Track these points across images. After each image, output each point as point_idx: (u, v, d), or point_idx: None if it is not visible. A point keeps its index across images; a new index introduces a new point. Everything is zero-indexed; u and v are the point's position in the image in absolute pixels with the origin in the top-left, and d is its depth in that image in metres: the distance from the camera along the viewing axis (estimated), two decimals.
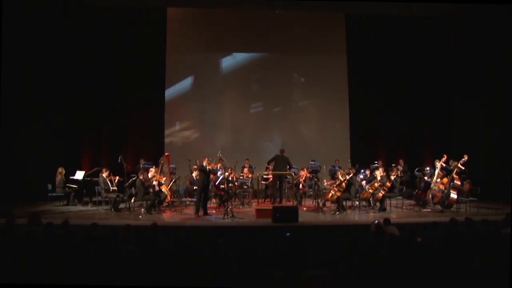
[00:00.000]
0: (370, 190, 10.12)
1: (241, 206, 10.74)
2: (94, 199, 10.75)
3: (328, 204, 10.53)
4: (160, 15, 13.25)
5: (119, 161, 10.74)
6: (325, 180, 11.19)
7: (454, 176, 9.81)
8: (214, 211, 10.05)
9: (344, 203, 9.98)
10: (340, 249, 5.28)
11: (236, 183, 10.70)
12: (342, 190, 9.91)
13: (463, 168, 9.85)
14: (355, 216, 9.80)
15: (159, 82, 13.25)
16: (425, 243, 5.33)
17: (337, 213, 9.76)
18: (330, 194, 10.02)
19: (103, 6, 12.28)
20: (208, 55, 13.63)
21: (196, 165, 10.68)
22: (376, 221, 6.79)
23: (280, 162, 10.80)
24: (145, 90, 12.87)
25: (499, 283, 4.49)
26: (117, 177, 10.57)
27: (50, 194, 10.63)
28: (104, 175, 10.25)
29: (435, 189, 10.13)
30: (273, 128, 13.86)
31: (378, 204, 10.21)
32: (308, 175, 11.18)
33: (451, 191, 9.76)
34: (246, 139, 13.57)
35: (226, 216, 9.10)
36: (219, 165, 10.91)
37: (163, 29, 13.28)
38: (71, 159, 11.85)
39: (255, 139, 13.61)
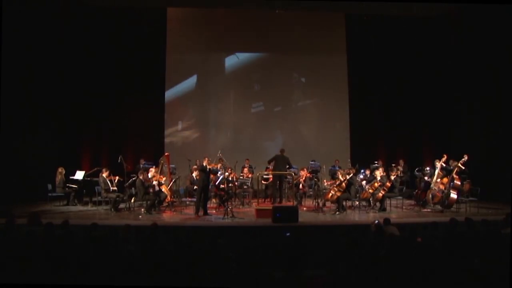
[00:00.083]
0: (370, 190, 10.12)
1: (241, 206, 10.74)
2: (94, 199, 10.75)
3: (328, 204, 10.53)
4: (160, 15, 13.25)
5: (119, 161, 10.73)
6: (325, 180, 11.19)
7: (454, 176, 9.81)
8: (214, 211, 10.05)
9: (344, 203, 9.98)
10: (340, 249, 5.28)
11: (236, 183, 10.69)
12: (342, 190, 9.91)
13: (463, 168, 9.85)
14: (355, 216, 9.80)
15: (159, 82, 13.24)
16: (425, 243, 5.33)
17: (337, 213, 9.76)
18: (330, 194, 10.02)
19: (103, 6, 12.28)
20: (208, 55, 13.64)
21: (196, 165, 10.68)
22: (376, 221, 6.79)
23: (280, 162, 10.80)
24: (145, 90, 12.87)
25: (499, 283, 4.49)
26: (117, 177, 10.57)
27: (50, 194, 10.63)
28: (104, 175, 10.25)
29: (435, 189, 10.13)
30: (274, 128, 13.86)
31: (378, 204, 10.21)
32: (308, 175, 11.18)
33: (451, 191, 9.76)
34: (246, 139, 13.57)
35: (226, 216, 9.10)
36: (219, 165, 10.91)
37: (163, 29, 13.28)
38: (71, 159, 11.85)
39: (255, 139, 13.61)
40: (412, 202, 11.01)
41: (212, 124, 13.67)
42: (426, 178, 10.78)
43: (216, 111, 13.67)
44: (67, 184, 10.81)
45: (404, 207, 10.46)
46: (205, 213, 9.56)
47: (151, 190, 9.91)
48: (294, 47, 13.48)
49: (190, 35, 13.42)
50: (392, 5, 11.94)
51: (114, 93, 12.67)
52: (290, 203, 10.29)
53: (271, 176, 11.29)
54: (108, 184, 10.21)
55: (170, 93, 13.43)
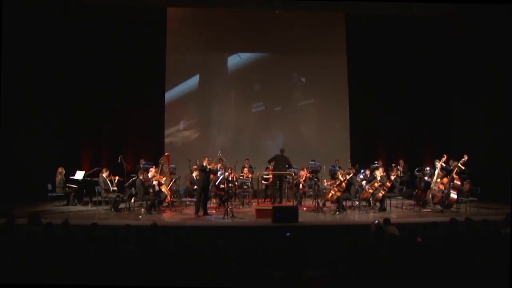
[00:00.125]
0: (370, 190, 10.12)
1: (241, 206, 10.74)
2: (94, 199, 10.75)
3: (328, 204, 10.53)
4: (160, 15, 13.25)
5: (119, 161, 10.73)
6: (325, 180, 11.19)
7: (454, 176, 9.81)
8: (214, 211, 10.05)
9: (344, 203, 9.98)
10: (340, 249, 5.28)
11: (236, 183, 10.69)
12: (342, 190, 9.91)
13: (463, 168, 9.85)
14: (355, 216, 9.80)
15: (159, 82, 13.24)
16: (425, 243, 5.33)
17: (337, 213, 9.76)
18: (330, 194, 10.01)
19: (103, 6, 12.28)
20: (208, 56, 13.63)
21: (196, 165, 10.68)
22: (376, 221, 6.79)
23: (280, 162, 10.80)
24: (145, 90, 12.87)
25: (499, 283, 4.49)
26: (117, 177, 10.57)
27: (50, 194, 10.63)
28: (104, 175, 10.25)
29: (435, 189, 10.13)
30: (274, 128, 13.86)
31: (378, 204, 10.20)
32: (308, 175, 11.17)
33: (451, 191, 9.76)
34: (246, 139, 13.58)
35: (226, 216, 9.10)
36: (219, 165, 10.91)
37: (163, 29, 13.28)
38: (71, 159, 11.85)
39: (255, 139, 13.61)
40: (412, 202, 11.01)
41: (212, 124, 13.67)
42: (426, 178, 10.78)
43: (216, 111, 13.67)
44: (67, 184, 10.80)
45: (404, 207, 10.46)
46: (205, 213, 9.56)
47: (151, 190, 9.91)
48: (294, 47, 13.48)
49: (190, 35, 13.42)
50: (392, 5, 11.94)
51: (114, 93, 12.67)
52: (290, 203, 10.29)
53: (271, 176, 11.29)
54: (108, 184, 10.21)
55: (170, 94, 13.42)
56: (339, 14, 13.64)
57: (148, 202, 9.81)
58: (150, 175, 10.05)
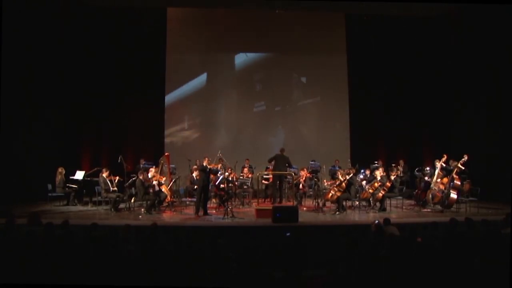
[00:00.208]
0: (370, 190, 10.12)
1: (241, 206, 10.74)
2: (94, 199, 10.75)
3: (328, 204, 10.53)
4: (160, 15, 13.25)
5: (119, 161, 10.73)
6: (325, 180, 11.18)
7: (454, 176, 9.81)
8: (214, 211, 10.05)
9: (344, 203, 9.98)
10: (340, 249, 5.28)
11: (236, 183, 10.69)
12: (342, 190, 9.91)
13: (463, 168, 9.85)
14: (355, 216, 9.80)
15: (159, 82, 13.23)
16: (425, 243, 5.33)
17: (337, 213, 9.76)
18: (330, 194, 10.01)
19: (103, 6, 12.27)
20: (209, 56, 13.61)
21: (196, 165, 10.68)
22: (376, 221, 6.78)
23: (280, 161, 10.79)
24: (145, 90, 12.87)
25: (499, 283, 4.49)
26: (117, 177, 10.57)
27: (50, 194, 10.63)
28: (104, 175, 10.25)
29: (435, 189, 10.13)
30: (274, 127, 13.86)
31: (378, 204, 10.20)
32: (308, 175, 11.17)
33: (451, 191, 9.76)
34: (246, 139, 13.58)
35: (226, 216, 9.09)
36: (219, 165, 10.91)
37: (163, 29, 13.28)
38: (71, 159, 11.85)
39: (255, 139, 13.60)
40: (412, 202, 11.01)
41: (212, 124, 13.66)
42: (426, 178, 10.78)
43: (216, 111, 13.67)
44: (67, 184, 10.80)
45: (404, 207, 10.46)
46: (205, 213, 9.56)
47: (151, 190, 9.91)
48: (294, 47, 13.48)
49: (190, 35, 13.42)
50: (392, 5, 11.94)
51: (114, 93, 12.67)
52: (290, 203, 10.29)
53: (271, 176, 11.29)
54: (108, 184, 10.21)
55: (171, 94, 13.42)
56: (339, 14, 13.64)
57: (148, 202, 9.81)
58: (150, 175, 10.05)
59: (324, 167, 11.78)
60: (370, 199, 10.39)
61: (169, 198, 10.44)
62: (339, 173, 10.28)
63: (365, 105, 13.57)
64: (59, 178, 10.78)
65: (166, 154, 11.53)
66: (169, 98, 13.41)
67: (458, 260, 4.78)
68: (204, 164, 10.07)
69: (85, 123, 12.75)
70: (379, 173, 10.13)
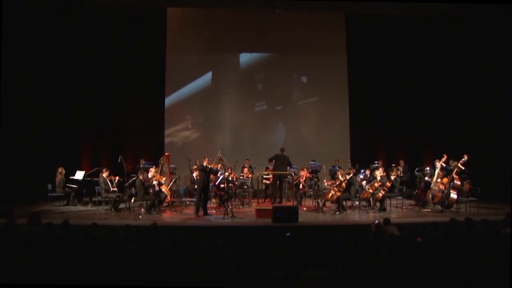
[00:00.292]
0: (370, 190, 10.12)
1: (241, 206, 10.74)
2: (94, 199, 10.74)
3: (328, 204, 10.52)
4: (160, 15, 13.25)
5: (119, 161, 10.73)
6: (325, 180, 11.18)
7: (454, 176, 9.81)
8: (214, 211, 10.05)
9: (344, 203, 9.98)
10: (340, 249, 5.28)
11: (236, 183, 10.69)
12: (342, 190, 9.91)
13: (463, 168, 9.85)
14: (355, 216, 9.79)
15: (159, 82, 13.23)
16: (425, 243, 5.33)
17: (337, 213, 9.76)
18: (330, 194, 10.01)
19: (103, 6, 12.27)
20: (208, 56, 13.61)
21: (196, 165, 10.67)
22: (376, 221, 6.78)
23: (280, 161, 10.79)
24: (145, 90, 12.87)
25: (499, 283, 4.49)
26: (117, 177, 10.57)
27: (50, 194, 10.63)
28: (104, 175, 10.24)
29: (435, 189, 10.13)
30: (274, 127, 13.87)
31: (378, 204, 10.20)
32: (308, 175, 11.17)
33: (451, 191, 9.76)
34: (246, 139, 13.58)
35: (226, 216, 9.09)
36: (219, 165, 10.91)
37: (163, 29, 13.28)
38: (71, 159, 11.84)
39: (255, 139, 13.60)
40: (412, 202, 11.01)
41: (212, 124, 13.67)
42: (426, 178, 10.77)
43: (217, 111, 13.67)
44: (67, 184, 10.80)
45: (404, 207, 10.46)
46: (205, 213, 9.56)
47: (151, 190, 9.91)
48: (294, 47, 13.48)
49: (190, 35, 13.42)
50: (392, 5, 11.94)
51: (114, 93, 12.67)
52: (290, 203, 10.29)
53: (271, 176, 11.29)
54: (108, 184, 10.20)
55: (171, 95, 13.43)
56: (339, 14, 13.64)
57: (148, 202, 9.80)
58: (150, 175, 10.05)
59: (324, 167, 11.77)
60: (370, 199, 10.39)
61: (169, 198, 10.44)
62: (339, 173, 10.28)
63: (365, 105, 13.57)
64: (59, 178, 10.78)
65: (166, 154, 11.53)
66: (170, 98, 13.41)
67: (458, 260, 4.78)
68: (204, 164, 10.07)
69: (85, 123, 12.74)
70: (379, 173, 10.13)
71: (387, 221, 6.74)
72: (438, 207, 10.11)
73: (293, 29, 13.38)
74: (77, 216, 9.51)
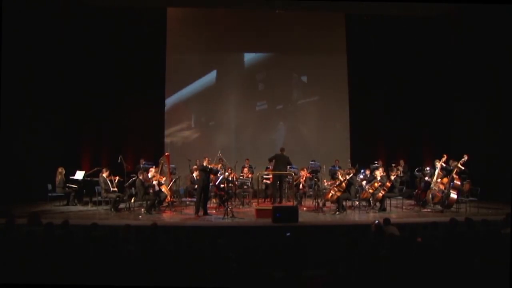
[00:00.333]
0: (370, 190, 10.12)
1: (241, 206, 10.74)
2: (94, 199, 10.74)
3: (328, 204, 10.52)
4: (160, 15, 13.25)
5: (119, 161, 10.73)
6: (325, 180, 11.18)
7: (454, 176, 9.81)
8: (214, 211, 10.05)
9: (344, 203, 9.98)
10: (340, 249, 5.28)
11: (236, 183, 10.69)
12: (342, 190, 9.91)
13: (463, 168, 9.84)
14: (355, 216, 9.79)
15: (159, 82, 13.23)
16: (425, 243, 5.33)
17: (337, 213, 9.76)
18: (330, 194, 10.01)
19: (103, 6, 12.27)
20: (208, 56, 13.60)
21: (196, 165, 10.67)
22: (376, 221, 6.78)
23: (280, 161, 10.79)
24: (145, 90, 12.87)
25: (499, 283, 4.49)
26: (117, 177, 10.57)
27: (50, 194, 10.63)
28: (104, 175, 10.25)
29: (435, 189, 10.13)
30: (275, 127, 13.87)
31: (378, 204, 10.20)
32: (308, 175, 11.18)
33: (451, 191, 9.76)
34: (246, 138, 13.58)
35: (226, 216, 9.09)
36: (219, 165, 10.91)
37: (163, 29, 13.27)
38: (71, 159, 11.85)
39: (255, 139, 13.60)
40: (412, 202, 11.01)
41: (213, 124, 13.67)
42: (426, 178, 10.77)
43: (217, 111, 13.67)
44: (67, 184, 10.80)
45: (404, 207, 10.46)
46: (205, 213, 9.56)
47: (151, 190, 9.91)
48: (294, 47, 13.48)
49: (190, 35, 13.42)
50: (392, 5, 11.94)
51: (114, 93, 12.67)
52: (290, 203, 10.29)
53: (271, 176, 11.28)
54: (108, 184, 10.20)
55: (171, 94, 13.43)
56: (339, 14, 13.63)
57: (148, 202, 9.80)
58: (150, 175, 10.05)
59: (324, 167, 11.77)
60: (370, 199, 10.39)
61: (169, 198, 10.44)
62: (339, 173, 10.28)
63: (365, 105, 13.57)
64: (59, 178, 10.78)
65: (166, 154, 11.52)
66: (171, 98, 13.41)
67: (458, 260, 4.78)
68: (204, 164, 10.07)
69: (85, 123, 12.75)
70: (379, 173, 10.13)
71: (387, 221, 6.74)
72: (438, 207, 10.11)
73: (293, 29, 13.37)
74: (77, 216, 9.51)
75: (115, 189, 10.32)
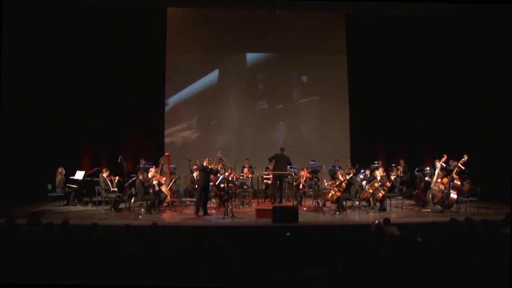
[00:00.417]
0: (370, 190, 10.12)
1: (241, 206, 10.73)
2: (94, 199, 10.74)
3: (328, 204, 10.52)
4: (160, 15, 13.25)
5: (119, 161, 10.73)
6: (325, 180, 11.18)
7: (454, 176, 9.81)
8: (214, 211, 10.05)
9: (344, 203, 9.98)
10: (340, 249, 5.28)
11: (236, 183, 10.69)
12: (342, 190, 9.91)
13: (463, 168, 9.84)
14: (355, 216, 9.79)
15: (159, 82, 13.24)
16: (425, 243, 5.33)
17: (337, 213, 9.76)
18: (330, 194, 10.01)
19: (103, 6, 12.27)
20: (208, 56, 13.60)
21: (196, 165, 10.67)
22: (376, 221, 6.78)
23: (280, 161, 10.79)
24: (145, 90, 12.87)
25: (499, 283, 4.49)
26: (117, 177, 10.57)
27: (50, 194, 10.63)
28: (104, 175, 10.24)
29: (435, 189, 10.13)
30: (275, 127, 13.87)
31: (378, 204, 10.20)
32: (308, 175, 11.18)
33: (451, 191, 9.76)
34: (247, 138, 13.59)
35: (226, 216, 9.09)
36: (219, 165, 10.91)
37: (163, 29, 13.28)
38: (71, 159, 11.85)
39: (256, 139, 13.60)
40: (412, 202, 11.00)
41: (213, 124, 13.67)
42: (426, 178, 10.77)
43: (217, 111, 13.67)
44: (67, 184, 10.80)
45: (404, 207, 10.46)
46: (205, 213, 9.56)
47: (151, 190, 9.91)
48: (294, 47, 13.48)
49: (190, 35, 13.42)
50: (392, 5, 11.94)
51: (114, 93, 12.67)
52: (290, 203, 10.29)
53: (271, 175, 11.28)
54: (108, 184, 10.20)
55: (172, 94, 13.43)
56: (339, 14, 13.63)
57: (148, 202, 9.80)
58: (150, 175, 10.05)
59: (324, 167, 11.77)
60: (370, 199, 10.39)
61: (169, 198, 10.44)
62: (339, 173, 10.28)
63: (365, 105, 13.57)
64: (59, 178, 10.78)
65: (166, 154, 11.53)
66: (171, 98, 13.41)
67: (458, 260, 4.78)
68: (204, 164, 10.07)
69: (85, 123, 12.75)
70: (379, 173, 10.13)
71: (387, 221, 6.74)
72: (438, 207, 10.11)
73: (293, 29, 13.38)
74: (77, 216, 9.51)
75: (115, 189, 10.32)
